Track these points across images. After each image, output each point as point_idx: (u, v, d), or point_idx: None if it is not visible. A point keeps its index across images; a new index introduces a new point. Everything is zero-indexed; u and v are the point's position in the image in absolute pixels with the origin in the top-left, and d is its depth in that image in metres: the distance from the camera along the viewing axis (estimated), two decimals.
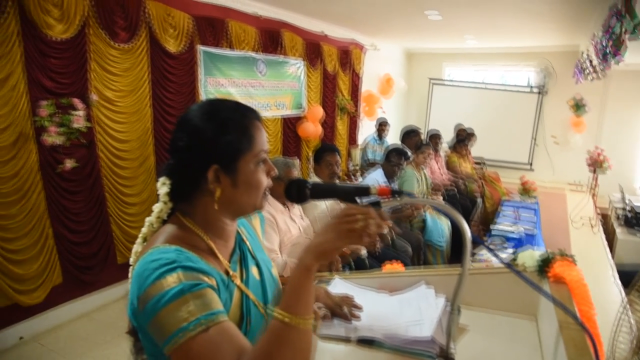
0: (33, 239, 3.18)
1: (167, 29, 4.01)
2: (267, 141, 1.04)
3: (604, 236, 4.25)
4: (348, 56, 7.15)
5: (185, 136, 0.99)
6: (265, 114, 5.48)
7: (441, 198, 4.71)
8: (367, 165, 6.56)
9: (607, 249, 3.80)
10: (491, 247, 3.35)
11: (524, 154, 8.53)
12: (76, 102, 3.28)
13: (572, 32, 6.71)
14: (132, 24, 3.69)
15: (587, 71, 5.22)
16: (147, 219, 1.06)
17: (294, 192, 0.99)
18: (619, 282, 2.86)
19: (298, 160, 5.59)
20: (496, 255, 0.98)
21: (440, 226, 4.14)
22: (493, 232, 3.92)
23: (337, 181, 3.41)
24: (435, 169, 5.54)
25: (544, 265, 1.14)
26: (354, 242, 0.87)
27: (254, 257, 1.15)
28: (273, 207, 2.88)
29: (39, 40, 3.07)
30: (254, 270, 1.12)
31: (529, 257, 1.19)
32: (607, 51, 3.51)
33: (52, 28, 3.15)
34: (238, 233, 1.14)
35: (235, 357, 0.82)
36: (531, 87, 8.55)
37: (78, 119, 3.25)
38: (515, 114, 8.45)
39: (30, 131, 3.09)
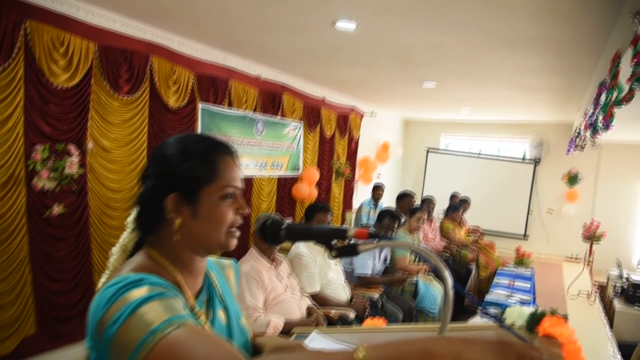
0: (10, 284, 3.06)
1: (169, 85, 4.13)
2: (239, 178, 1.01)
3: (601, 308, 4.13)
4: (346, 121, 7.32)
5: (152, 164, 1.00)
6: (261, 173, 5.51)
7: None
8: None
9: (606, 321, 3.67)
10: (484, 314, 3.23)
11: (520, 224, 8.51)
12: (72, 148, 3.30)
13: (565, 108, 6.96)
14: (136, 78, 3.79)
15: (579, 143, 5.33)
16: (113, 249, 1.02)
17: (269, 233, 0.96)
18: (619, 356, 2.72)
19: (291, 219, 5.55)
20: (486, 313, 0.92)
21: (432, 292, 4.03)
22: (487, 301, 3.80)
23: None
24: (429, 235, 5.48)
25: (534, 323, 1.08)
26: None
27: (222, 302, 1.09)
28: (259, 264, 2.81)
29: (41, 86, 3.14)
30: (221, 314, 1.06)
31: (518, 314, 1.12)
32: (598, 124, 3.60)
33: (57, 76, 3.23)
34: (207, 276, 1.09)
35: (225, 356, 0.73)
36: (526, 159, 8.71)
37: (71, 165, 3.25)
38: (511, 184, 8.55)
39: (22, 174, 3.08)
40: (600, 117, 3.38)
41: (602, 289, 5.59)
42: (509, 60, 4.47)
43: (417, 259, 4.47)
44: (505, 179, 8.58)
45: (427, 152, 9.27)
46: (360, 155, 7.90)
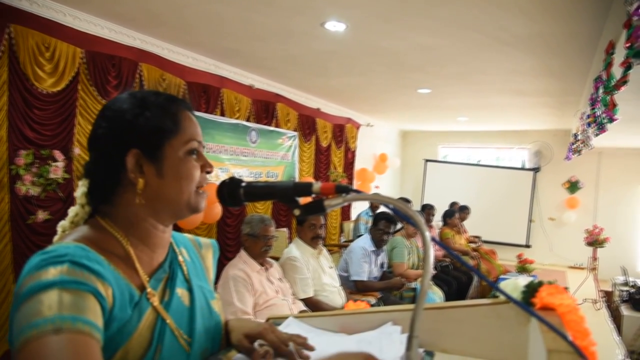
0: None
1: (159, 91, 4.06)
2: (200, 134, 0.93)
3: (608, 314, 4.00)
4: (342, 132, 7.27)
5: (104, 122, 0.88)
6: None
7: (434, 271, 4.48)
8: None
9: (613, 327, 3.53)
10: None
11: (521, 233, 8.38)
12: (57, 153, 3.23)
13: (562, 114, 6.90)
14: (125, 84, 3.74)
15: (577, 148, 5.25)
16: (60, 224, 0.91)
17: (226, 194, 0.85)
18: None
19: (287, 230, 5.45)
20: (480, 276, 0.83)
21: (432, 298, 3.89)
22: None
23: (319, 241, 3.25)
24: None
25: (530, 294, 0.97)
26: None
27: (187, 281, 0.97)
28: (249, 266, 2.71)
29: (25, 91, 3.08)
30: (181, 294, 0.94)
31: (513, 286, 1.02)
32: (603, 119, 3.52)
33: (42, 81, 3.17)
34: (174, 252, 0.99)
35: None
36: (525, 167, 8.64)
37: (56, 170, 3.17)
38: (511, 193, 8.45)
39: (5, 179, 2.99)
40: (602, 111, 3.31)
41: (607, 296, 5.45)
42: (502, 62, 4.43)
43: (415, 267, 4.35)
44: (505, 188, 8.48)
45: (426, 162, 9.19)
46: (358, 166, 7.83)
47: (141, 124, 0.86)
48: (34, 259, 0.73)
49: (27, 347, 0.63)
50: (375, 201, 0.80)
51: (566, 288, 0.96)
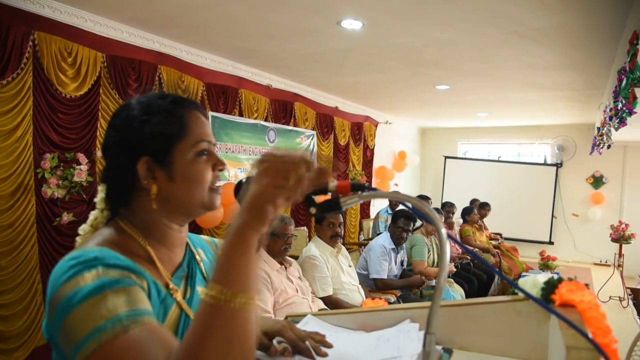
0: (20, 294, 3.04)
1: (178, 93, 4.12)
2: (211, 134, 0.93)
3: (635, 312, 3.91)
4: (361, 130, 7.25)
5: (113, 130, 0.90)
6: None
7: (454, 269, 4.43)
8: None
9: None
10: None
11: (544, 230, 8.23)
12: (81, 157, 3.30)
13: (585, 108, 6.76)
14: (145, 87, 3.81)
15: (601, 142, 5.14)
16: (80, 228, 0.94)
17: (243, 193, 0.87)
18: None
19: (306, 229, 5.46)
20: (497, 273, 0.82)
21: (453, 296, 3.86)
22: None
23: (338, 240, 3.25)
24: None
25: (550, 291, 0.96)
26: (285, 183, 0.69)
27: (206, 280, 0.99)
28: (269, 265, 2.73)
29: (50, 95, 3.16)
30: (202, 292, 0.96)
31: (532, 283, 1.01)
32: (623, 113, 3.44)
33: (65, 86, 3.26)
34: (191, 251, 1.01)
35: (165, 356, 0.65)
36: (547, 162, 8.48)
37: (80, 173, 3.24)
38: (533, 189, 8.30)
39: (31, 182, 3.08)
40: (623, 104, 3.23)
41: (634, 294, 5.32)
42: (521, 56, 4.35)
43: (435, 263, 4.32)
44: (526, 184, 8.34)
45: (445, 159, 9.10)
46: (377, 164, 7.80)
47: (148, 131, 0.87)
48: (63, 264, 0.74)
49: (104, 351, 0.65)
50: (391, 198, 0.80)
51: (587, 284, 0.94)
